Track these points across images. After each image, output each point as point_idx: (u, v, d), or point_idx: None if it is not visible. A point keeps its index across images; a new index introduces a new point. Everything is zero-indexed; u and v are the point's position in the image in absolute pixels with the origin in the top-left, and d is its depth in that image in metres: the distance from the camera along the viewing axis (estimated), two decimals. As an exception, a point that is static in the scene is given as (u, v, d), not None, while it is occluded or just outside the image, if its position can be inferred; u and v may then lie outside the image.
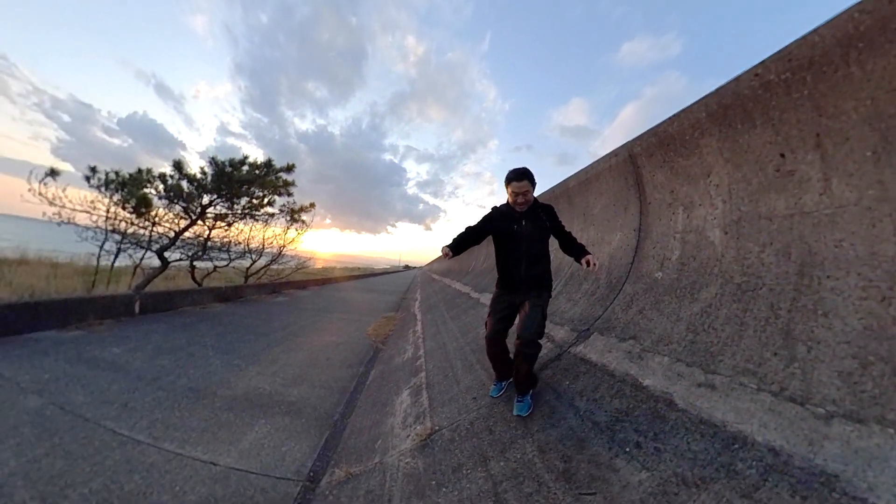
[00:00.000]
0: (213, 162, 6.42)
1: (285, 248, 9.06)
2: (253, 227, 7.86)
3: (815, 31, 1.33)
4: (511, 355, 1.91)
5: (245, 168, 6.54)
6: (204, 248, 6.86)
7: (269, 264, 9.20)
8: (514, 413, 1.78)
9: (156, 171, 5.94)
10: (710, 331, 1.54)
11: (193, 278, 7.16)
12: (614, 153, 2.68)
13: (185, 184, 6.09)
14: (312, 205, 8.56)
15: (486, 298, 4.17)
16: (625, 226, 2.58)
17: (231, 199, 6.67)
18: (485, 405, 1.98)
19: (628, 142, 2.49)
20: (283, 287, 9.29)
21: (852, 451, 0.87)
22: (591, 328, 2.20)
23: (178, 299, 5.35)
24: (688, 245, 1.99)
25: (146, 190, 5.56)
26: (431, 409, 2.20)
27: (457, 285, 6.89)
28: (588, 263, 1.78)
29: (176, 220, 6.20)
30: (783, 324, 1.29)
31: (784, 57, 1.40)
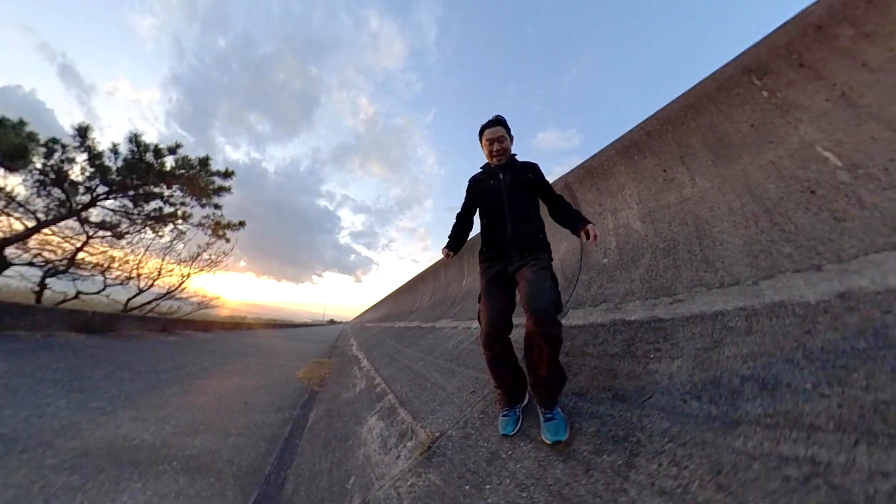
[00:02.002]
0: (133, 141, 4.72)
1: (183, 285, 6.85)
2: (148, 249, 5.82)
3: (668, 104, 2.36)
4: (520, 360, 1.42)
5: (173, 159, 5.08)
6: (70, 262, 4.73)
7: (158, 299, 6.81)
8: (548, 439, 1.18)
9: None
10: (658, 277, 2.00)
11: (38, 301, 4.74)
12: (554, 184, 3.62)
13: (80, 161, 4.31)
14: (242, 223, 6.91)
15: (442, 324, 4.16)
16: (569, 236, 3.32)
17: (137, 199, 4.98)
18: (491, 392, 1.79)
19: (564, 174, 3.36)
20: (178, 326, 7.06)
21: (740, 302, 1.30)
22: (564, 309, 2.38)
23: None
24: (620, 236, 2.71)
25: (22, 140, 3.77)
26: (418, 421, 1.90)
27: (400, 324, 6.50)
28: (588, 235, 1.46)
29: (36, 214, 4.20)
30: (701, 256, 1.86)
31: (654, 117, 2.34)
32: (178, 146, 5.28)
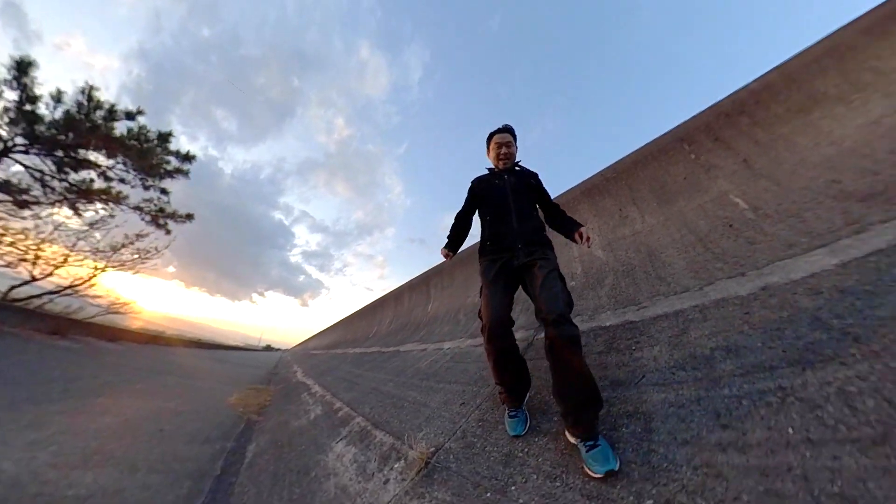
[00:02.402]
0: (86, 94, 3.79)
1: (91, 281, 5.21)
2: (57, 229, 4.43)
3: (622, 158, 2.83)
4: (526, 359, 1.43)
5: (127, 126, 4.15)
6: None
7: (54, 293, 5.09)
8: (597, 471, 0.98)
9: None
10: (622, 293, 2.26)
11: None
12: None
13: (7, 98, 3.24)
14: (190, 216, 5.70)
15: (408, 348, 3.96)
16: None
17: (64, 163, 3.81)
18: (488, 395, 1.76)
19: None
20: (75, 329, 5.28)
21: (693, 302, 1.59)
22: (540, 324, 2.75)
23: None
24: (585, 263, 3.07)
25: None
26: (402, 440, 1.71)
27: (356, 350, 5.93)
28: (581, 237, 1.54)
29: None
30: (655, 275, 2.21)
31: (611, 167, 2.84)
32: (139, 112, 4.42)
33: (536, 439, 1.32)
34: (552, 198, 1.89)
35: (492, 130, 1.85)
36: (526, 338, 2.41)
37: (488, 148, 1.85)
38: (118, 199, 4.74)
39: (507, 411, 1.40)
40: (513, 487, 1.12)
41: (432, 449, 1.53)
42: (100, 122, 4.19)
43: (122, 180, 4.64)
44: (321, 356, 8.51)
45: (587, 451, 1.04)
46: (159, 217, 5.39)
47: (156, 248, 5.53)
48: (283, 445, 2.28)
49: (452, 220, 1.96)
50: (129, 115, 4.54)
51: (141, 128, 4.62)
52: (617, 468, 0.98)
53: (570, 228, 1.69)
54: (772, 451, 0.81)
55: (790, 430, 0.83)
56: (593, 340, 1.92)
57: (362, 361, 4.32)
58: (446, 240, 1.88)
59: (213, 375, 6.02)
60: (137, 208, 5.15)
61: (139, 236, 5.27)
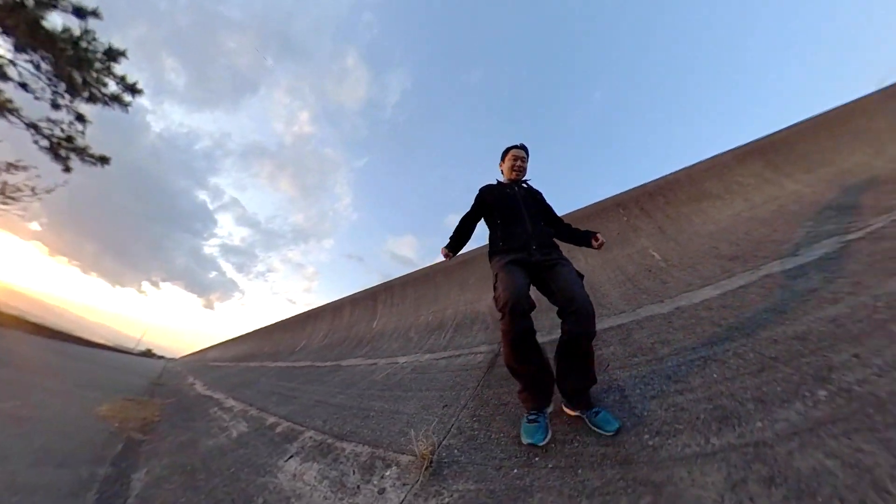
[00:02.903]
0: None
1: None
2: None
3: (573, 212, 3.70)
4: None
5: (72, 25, 2.79)
6: None
7: None
8: (609, 430, 1.13)
9: None
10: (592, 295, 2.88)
11: None
12: (486, 246, 4.46)
13: None
14: (105, 159, 3.83)
15: (351, 363, 3.58)
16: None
17: None
18: (472, 395, 1.76)
19: None
20: None
21: (628, 319, 2.22)
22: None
23: None
24: (535, 292, 3.58)
25: None
26: (384, 447, 1.55)
27: (278, 364, 4.90)
28: (597, 240, 1.62)
29: None
30: (597, 302, 2.68)
31: (565, 218, 3.87)
32: (94, 13, 3.18)
33: (561, 432, 1.41)
34: None
35: (509, 146, 1.93)
36: (492, 350, 2.58)
37: (503, 159, 1.94)
38: (8, 108, 3.15)
39: (525, 415, 1.26)
40: (536, 458, 1.17)
41: (430, 447, 1.39)
42: (31, 4, 2.94)
43: (23, 85, 3.14)
44: (228, 368, 6.92)
45: (595, 417, 1.18)
46: (61, 147, 3.81)
47: (32, 189, 3.75)
48: (197, 470, 1.74)
49: (456, 224, 1.94)
50: (79, 12, 3.35)
51: (86, 32, 3.42)
52: (620, 425, 1.14)
53: (584, 236, 1.73)
54: (708, 388, 1.21)
55: (714, 376, 1.25)
56: (548, 354, 2.24)
57: (292, 375, 3.67)
58: (448, 240, 1.90)
59: (72, 377, 4.33)
60: (32, 126, 3.55)
61: (12, 166, 3.46)
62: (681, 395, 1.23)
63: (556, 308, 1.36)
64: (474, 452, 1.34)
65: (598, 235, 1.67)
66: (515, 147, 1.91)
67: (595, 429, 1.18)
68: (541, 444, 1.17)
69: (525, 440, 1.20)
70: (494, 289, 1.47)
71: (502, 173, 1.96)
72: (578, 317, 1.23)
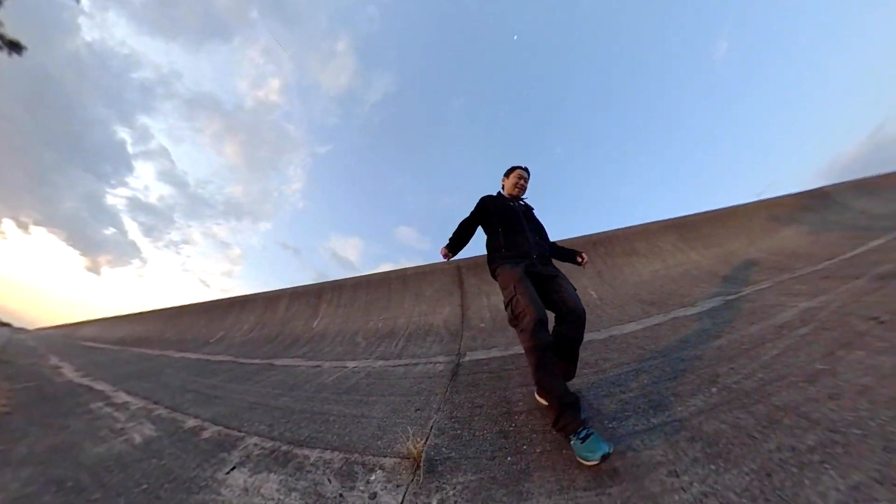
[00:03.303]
0: None
1: None
2: None
3: None
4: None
5: None
6: None
7: None
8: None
9: None
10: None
11: None
12: (447, 263, 4.41)
13: None
14: (17, 46, 4.17)
15: (286, 362, 3.13)
16: (451, 304, 3.91)
17: None
18: (444, 400, 1.75)
19: (457, 259, 4.44)
20: None
21: None
22: (461, 352, 2.73)
23: None
24: (492, 311, 3.68)
25: None
26: (360, 453, 1.43)
27: (188, 355, 3.88)
28: (583, 259, 1.85)
29: None
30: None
31: None
32: None
33: (518, 417, 1.56)
34: None
35: (515, 165, 2.06)
36: (451, 361, 2.66)
37: (507, 176, 2.06)
38: None
39: (574, 436, 1.14)
40: (524, 447, 1.29)
41: (419, 444, 1.37)
42: None
43: None
44: (113, 353, 5.24)
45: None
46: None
47: None
48: (85, 489, 1.29)
49: (458, 224, 1.99)
50: None
51: None
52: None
53: (570, 253, 1.94)
54: (642, 389, 1.57)
55: (645, 381, 1.64)
56: (515, 361, 2.41)
57: (209, 370, 2.98)
58: (448, 240, 1.95)
59: None
60: None
61: None
62: (624, 394, 1.57)
63: (556, 314, 1.53)
64: (463, 448, 1.38)
65: (583, 254, 1.88)
66: (521, 167, 2.04)
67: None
68: (610, 450, 1.04)
69: (593, 457, 1.06)
70: (508, 298, 1.51)
71: (503, 188, 2.09)
72: (578, 324, 1.44)
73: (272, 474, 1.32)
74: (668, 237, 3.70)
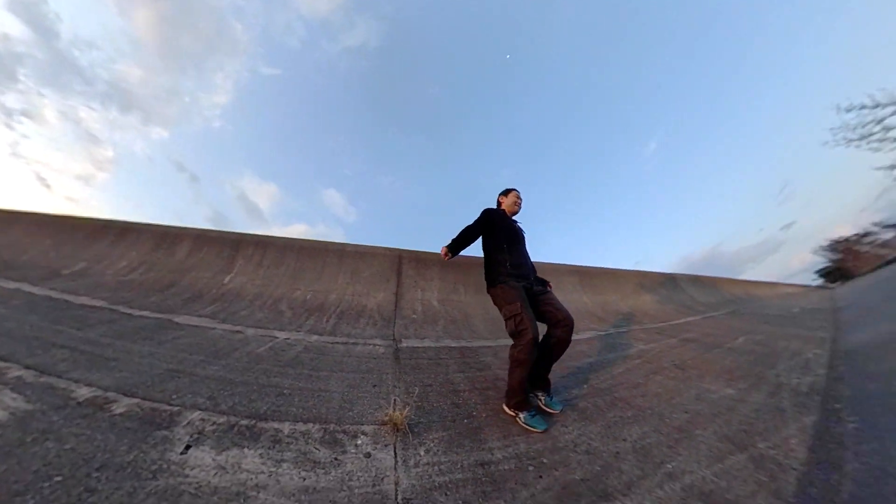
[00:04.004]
0: None
1: None
2: None
3: (469, 257, 4.73)
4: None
5: None
6: None
7: None
8: (555, 410, 1.74)
9: None
10: (453, 331, 3.26)
11: None
12: (389, 249, 4.29)
13: None
14: None
15: (190, 321, 2.56)
16: (387, 290, 3.91)
17: None
18: (395, 379, 1.98)
19: (400, 249, 4.32)
20: None
21: (494, 343, 3.27)
22: (396, 338, 2.90)
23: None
24: (424, 305, 3.92)
25: None
26: (336, 423, 1.50)
27: (23, 287, 2.10)
28: (549, 286, 2.05)
29: None
30: (469, 327, 3.58)
31: (466, 261, 4.62)
32: None
33: (462, 394, 1.93)
34: None
35: (510, 188, 2.28)
36: (390, 346, 2.86)
37: (506, 195, 2.26)
38: None
39: (525, 414, 1.62)
40: (474, 413, 1.71)
41: (387, 419, 1.57)
42: None
43: None
44: None
45: (550, 400, 1.78)
46: None
47: None
48: None
49: (461, 231, 2.12)
50: None
51: None
52: (562, 407, 1.78)
53: (542, 282, 2.09)
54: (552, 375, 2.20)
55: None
56: (447, 354, 2.83)
57: (78, 318, 2.05)
58: (450, 241, 2.08)
59: None
60: None
61: None
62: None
63: (549, 322, 1.79)
64: (427, 416, 1.66)
65: (550, 283, 2.11)
66: (517, 190, 2.26)
67: (546, 408, 1.76)
68: (547, 428, 1.58)
69: (539, 428, 1.58)
70: (511, 314, 1.72)
71: (499, 204, 2.27)
72: (568, 328, 1.73)
73: (246, 449, 1.27)
74: (571, 279, 4.86)
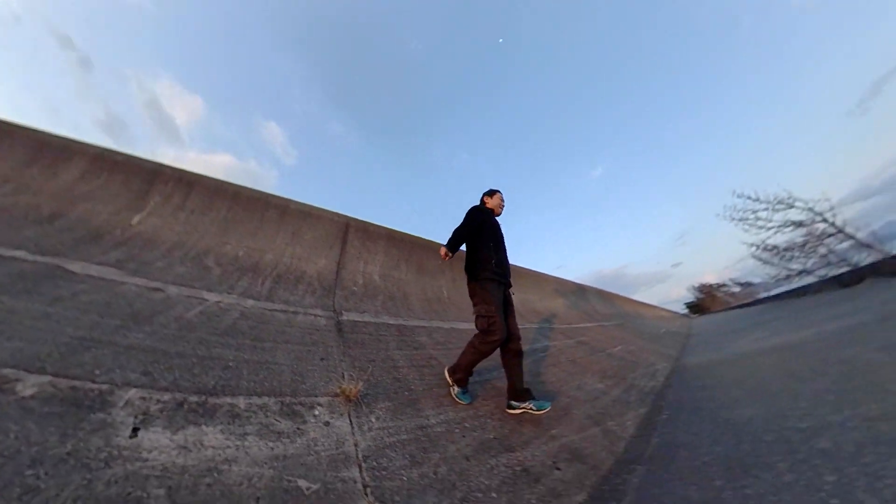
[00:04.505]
0: None
1: None
2: None
3: (415, 237, 4.78)
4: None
5: None
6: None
7: None
8: (545, 408, 1.94)
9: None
10: (391, 308, 3.45)
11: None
12: (338, 214, 3.98)
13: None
14: None
15: (88, 269, 2.03)
16: (329, 257, 3.74)
17: None
18: (342, 354, 2.12)
19: (349, 216, 4.09)
20: None
21: (429, 323, 3.63)
22: (337, 311, 2.92)
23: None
24: (366, 278, 3.92)
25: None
26: (292, 396, 1.57)
27: None
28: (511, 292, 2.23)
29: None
30: (407, 306, 3.85)
31: (409, 239, 4.68)
32: None
33: (402, 370, 2.24)
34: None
35: (495, 190, 2.45)
36: (331, 317, 2.93)
37: (491, 196, 2.40)
38: None
39: (458, 389, 2.00)
40: (412, 387, 2.06)
41: (339, 392, 1.76)
42: None
43: None
44: None
45: (536, 403, 1.94)
46: None
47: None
48: None
49: (457, 231, 2.25)
50: None
51: None
52: (550, 404, 1.99)
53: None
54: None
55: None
56: (386, 331, 3.08)
57: None
58: (448, 243, 2.20)
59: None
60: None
61: None
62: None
63: (507, 334, 1.99)
64: (374, 388, 1.89)
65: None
66: (500, 192, 2.44)
67: (538, 412, 1.95)
68: (471, 402, 1.99)
69: (465, 402, 2.00)
70: (486, 313, 1.94)
71: (484, 204, 2.41)
72: (520, 341, 2.04)
73: (204, 427, 1.29)
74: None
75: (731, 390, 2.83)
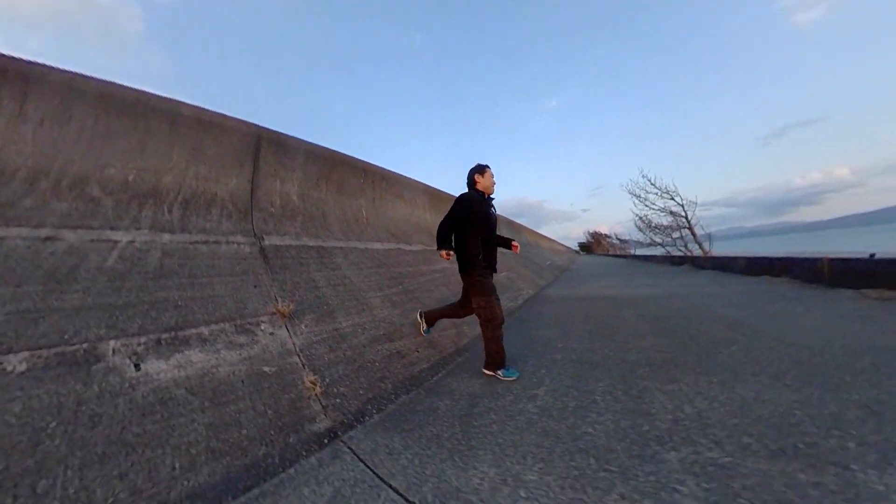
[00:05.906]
0: None
1: None
2: None
3: (334, 153, 4.57)
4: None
5: None
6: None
7: None
8: (513, 376, 2.21)
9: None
10: (310, 229, 3.87)
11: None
12: (247, 124, 3.35)
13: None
14: None
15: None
16: (241, 176, 3.42)
17: None
18: (266, 274, 2.71)
19: (262, 126, 3.48)
20: None
21: (351, 244, 4.35)
22: (258, 235, 3.04)
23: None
24: (283, 198, 3.88)
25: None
26: (232, 320, 2.22)
27: None
28: (517, 248, 2.40)
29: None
30: (326, 226, 4.28)
31: (329, 156, 4.50)
32: None
33: (322, 290, 3.12)
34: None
35: (484, 164, 2.31)
36: (253, 243, 3.33)
37: (482, 174, 2.29)
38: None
39: (505, 369, 2.24)
40: (329, 302, 2.99)
41: (289, 306, 2.53)
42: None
43: None
44: None
45: (506, 371, 2.23)
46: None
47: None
48: None
49: (441, 226, 2.30)
50: None
51: None
52: (518, 374, 2.24)
53: (506, 242, 2.46)
54: (418, 280, 3.76)
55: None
56: (306, 254, 3.63)
57: None
58: (441, 242, 2.29)
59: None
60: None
61: None
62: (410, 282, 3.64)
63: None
64: (301, 305, 2.53)
65: (515, 243, 2.42)
66: (490, 168, 2.29)
67: (507, 379, 2.21)
68: (518, 375, 2.20)
69: (514, 377, 2.22)
70: (486, 304, 2.20)
71: (475, 183, 2.31)
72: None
73: (186, 351, 1.85)
74: (422, 198, 5.96)
75: (553, 318, 4.47)
